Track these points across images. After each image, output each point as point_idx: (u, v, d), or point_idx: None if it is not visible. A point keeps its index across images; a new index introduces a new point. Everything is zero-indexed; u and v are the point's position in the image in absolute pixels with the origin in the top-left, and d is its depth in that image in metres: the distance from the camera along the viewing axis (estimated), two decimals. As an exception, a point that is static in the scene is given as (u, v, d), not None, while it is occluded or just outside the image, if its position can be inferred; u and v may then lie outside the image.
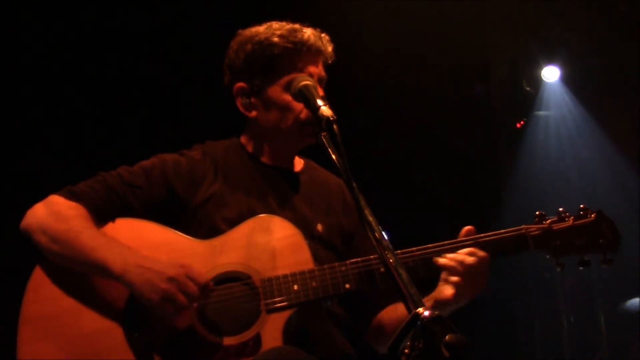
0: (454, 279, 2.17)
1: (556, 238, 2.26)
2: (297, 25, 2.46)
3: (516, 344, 5.59)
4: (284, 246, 2.24)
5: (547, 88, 6.07)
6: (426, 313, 1.52)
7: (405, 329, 1.53)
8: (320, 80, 2.43)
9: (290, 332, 2.15)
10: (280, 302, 2.16)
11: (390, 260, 1.72)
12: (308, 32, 2.43)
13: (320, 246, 2.37)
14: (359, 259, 2.22)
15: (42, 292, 2.24)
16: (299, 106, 2.34)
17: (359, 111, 4.64)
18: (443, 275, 2.22)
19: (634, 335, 5.24)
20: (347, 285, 2.20)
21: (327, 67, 2.50)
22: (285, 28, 2.44)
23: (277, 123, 2.43)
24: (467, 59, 5.36)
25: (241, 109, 2.49)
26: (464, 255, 2.18)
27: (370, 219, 1.82)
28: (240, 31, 2.52)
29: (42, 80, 3.93)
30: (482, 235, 2.26)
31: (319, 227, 2.42)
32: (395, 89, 5.04)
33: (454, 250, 2.22)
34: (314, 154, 2.39)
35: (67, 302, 2.22)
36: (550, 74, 5.99)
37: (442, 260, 2.19)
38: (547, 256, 2.28)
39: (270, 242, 2.25)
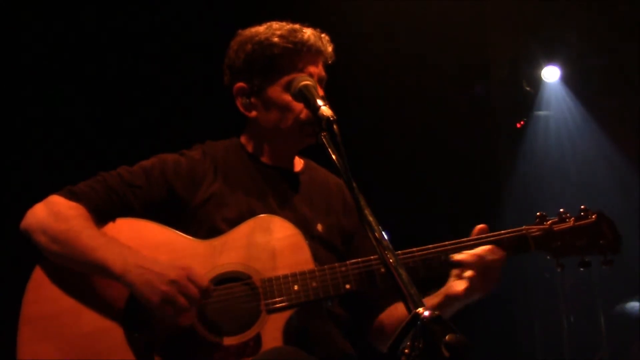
0: (469, 273, 2.17)
1: (557, 239, 2.26)
2: (297, 26, 2.46)
3: (516, 344, 5.59)
4: (284, 246, 2.24)
5: (547, 88, 6.07)
6: (426, 313, 1.52)
7: (405, 329, 1.53)
8: (320, 80, 2.43)
9: (290, 332, 2.15)
10: (280, 302, 2.16)
11: (391, 261, 1.72)
12: (308, 32, 2.44)
13: (320, 246, 2.37)
14: (359, 260, 2.22)
15: (42, 292, 2.24)
16: (299, 106, 2.35)
17: (359, 111, 4.64)
18: (455, 271, 2.22)
19: (634, 335, 5.24)
20: (348, 286, 2.20)
21: (327, 67, 2.50)
22: (285, 28, 2.44)
23: (277, 123, 2.43)
24: (467, 59, 5.36)
25: (241, 109, 2.49)
26: (485, 252, 2.18)
27: (370, 219, 1.82)
28: (240, 31, 2.53)
29: (42, 80, 3.92)
30: (482, 235, 2.26)
31: (319, 227, 2.42)
32: (395, 89, 5.04)
33: (455, 250, 2.23)
34: (314, 154, 2.39)
35: (67, 302, 2.22)
36: (550, 74, 5.99)
37: (459, 256, 2.19)
38: (548, 257, 2.28)
39: (271, 242, 2.25)
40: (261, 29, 2.47)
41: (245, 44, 2.46)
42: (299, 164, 2.60)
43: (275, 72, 2.41)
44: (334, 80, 2.53)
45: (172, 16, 4.30)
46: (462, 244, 2.24)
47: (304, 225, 2.32)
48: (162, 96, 4.25)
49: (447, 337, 1.46)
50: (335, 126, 2.02)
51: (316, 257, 2.25)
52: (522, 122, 6.11)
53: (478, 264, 2.17)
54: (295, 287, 2.18)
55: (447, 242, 2.24)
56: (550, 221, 2.30)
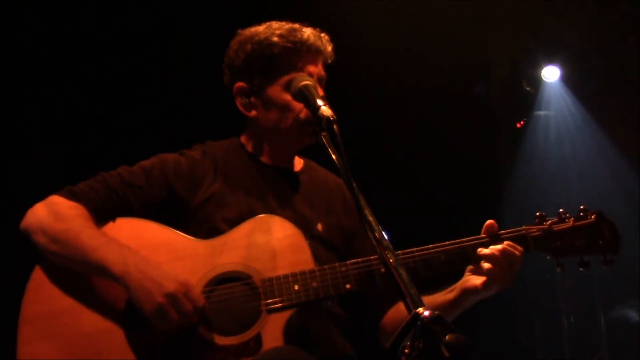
0: (489, 267, 2.17)
1: (556, 239, 2.27)
2: (296, 25, 2.46)
3: (516, 344, 5.58)
4: (285, 246, 2.24)
5: (547, 88, 6.06)
6: (426, 313, 1.52)
7: (405, 329, 1.53)
8: (320, 80, 2.43)
9: (290, 332, 2.15)
10: (280, 302, 2.16)
11: (391, 261, 1.72)
12: (308, 32, 2.44)
13: (320, 246, 2.37)
14: (360, 259, 2.22)
15: (42, 292, 2.24)
16: (298, 106, 2.35)
17: (359, 111, 4.64)
18: (471, 266, 2.24)
19: (634, 336, 5.24)
20: (348, 286, 2.20)
21: (327, 67, 2.50)
22: (285, 28, 2.44)
23: (277, 123, 2.43)
24: (467, 59, 5.35)
25: (241, 108, 2.50)
26: (509, 247, 2.20)
27: (370, 219, 1.82)
28: (240, 31, 2.53)
29: (42, 80, 3.92)
30: (483, 235, 2.26)
31: (319, 227, 2.42)
32: (395, 89, 5.03)
33: (456, 250, 2.23)
34: (314, 154, 2.39)
35: (67, 302, 2.22)
36: (550, 74, 5.98)
37: (485, 251, 2.20)
38: (547, 257, 2.29)
39: (271, 242, 2.25)
40: (261, 28, 2.47)
41: (245, 43, 2.46)
42: (298, 163, 2.60)
43: (275, 72, 2.41)
44: (334, 80, 2.53)
45: (172, 16, 4.30)
46: (462, 244, 2.24)
47: (304, 225, 2.32)
48: (162, 96, 4.24)
49: (447, 337, 1.46)
50: (335, 126, 2.02)
51: (316, 257, 2.25)
52: (522, 122, 6.11)
53: (503, 258, 2.17)
54: (296, 287, 2.18)
55: (447, 242, 2.25)
56: (549, 221, 2.30)
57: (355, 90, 4.70)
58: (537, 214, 2.32)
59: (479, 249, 2.22)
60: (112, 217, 2.32)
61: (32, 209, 2.31)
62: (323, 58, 2.48)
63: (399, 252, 2.18)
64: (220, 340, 2.14)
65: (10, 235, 2.47)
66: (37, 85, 3.92)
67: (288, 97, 2.37)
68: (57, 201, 2.29)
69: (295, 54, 2.41)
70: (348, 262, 2.22)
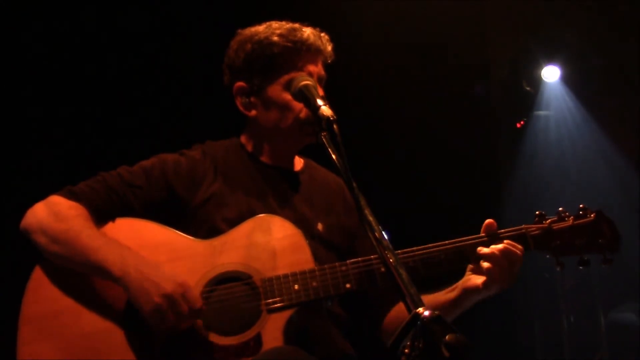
0: (489, 266, 2.17)
1: (556, 238, 2.27)
2: (296, 25, 2.46)
3: (516, 344, 5.58)
4: (285, 246, 2.24)
5: (547, 88, 6.06)
6: (426, 313, 1.52)
7: (405, 329, 1.53)
8: (319, 80, 2.43)
9: (290, 332, 2.15)
10: (280, 301, 2.16)
11: (391, 260, 1.72)
12: (307, 32, 2.44)
13: (320, 246, 2.37)
14: (360, 259, 2.22)
15: (42, 292, 2.24)
16: (298, 105, 2.35)
17: (359, 111, 4.64)
18: (472, 265, 2.24)
19: (634, 336, 5.24)
20: (348, 285, 2.20)
21: (327, 67, 2.51)
22: (285, 27, 2.44)
23: (277, 122, 2.43)
24: (467, 59, 5.36)
25: (241, 108, 2.50)
26: (509, 246, 2.20)
27: (370, 219, 1.82)
28: (240, 31, 2.53)
29: (42, 80, 3.92)
30: (483, 235, 2.26)
31: (320, 226, 2.42)
32: (395, 89, 5.03)
33: (456, 249, 2.23)
34: (314, 153, 2.39)
35: (67, 302, 2.22)
36: (550, 74, 5.98)
37: (485, 250, 2.20)
38: (547, 256, 2.29)
39: (271, 242, 2.25)
40: (261, 28, 2.47)
41: (245, 43, 2.46)
42: (299, 163, 2.60)
43: (275, 71, 2.41)
44: (334, 80, 2.53)
45: (172, 16, 4.30)
46: (462, 243, 2.24)
47: (304, 225, 2.32)
48: (162, 96, 4.24)
49: (447, 337, 1.46)
50: (335, 126, 2.02)
51: (316, 257, 2.25)
52: (522, 122, 6.11)
53: (503, 258, 2.17)
54: (296, 287, 2.18)
55: (446, 242, 2.25)
56: (549, 220, 2.30)
57: (355, 90, 4.70)
58: (537, 212, 2.32)
59: (479, 248, 2.22)
60: (112, 217, 2.32)
61: (32, 209, 2.31)
62: (323, 58, 2.48)
63: (399, 251, 2.18)
64: (220, 340, 2.14)
65: (10, 235, 2.47)
66: (37, 85, 3.92)
67: (288, 96, 2.37)
68: (57, 201, 2.29)
69: (295, 53, 2.41)
70: (348, 261, 2.22)
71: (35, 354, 2.18)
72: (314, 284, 2.18)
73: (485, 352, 4.59)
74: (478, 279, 2.21)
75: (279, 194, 2.46)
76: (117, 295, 2.20)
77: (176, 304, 2.08)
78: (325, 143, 2.02)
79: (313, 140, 2.33)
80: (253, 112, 2.48)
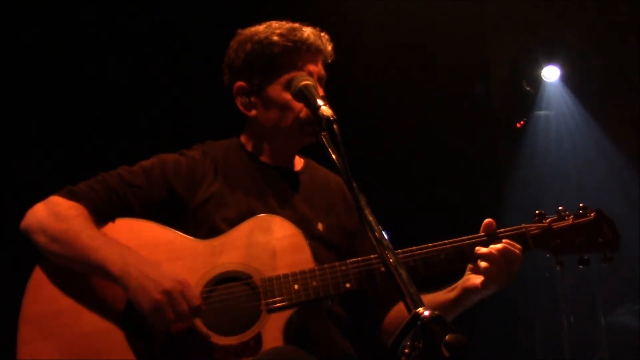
0: (487, 266, 2.17)
1: (556, 237, 2.27)
2: (296, 24, 2.46)
3: (516, 344, 5.58)
4: (285, 246, 2.24)
5: (547, 88, 6.07)
6: (426, 313, 1.52)
7: (405, 329, 1.53)
8: (319, 79, 2.43)
9: (290, 332, 2.15)
10: (280, 301, 2.16)
11: (390, 260, 1.72)
12: (308, 31, 2.44)
13: (320, 246, 2.37)
14: (360, 258, 2.22)
15: (42, 292, 2.24)
16: (298, 105, 2.35)
17: (359, 111, 4.64)
18: (471, 265, 2.23)
19: (634, 336, 5.24)
20: (348, 285, 2.20)
21: (327, 67, 2.51)
22: (285, 27, 2.44)
23: (277, 122, 2.43)
24: (467, 59, 5.36)
25: (241, 108, 2.50)
26: (508, 245, 2.19)
27: (370, 218, 1.82)
28: (240, 31, 2.53)
29: (42, 80, 3.92)
30: (482, 234, 2.26)
31: (320, 226, 2.42)
32: (395, 89, 5.03)
33: (455, 249, 2.23)
34: (314, 153, 2.39)
35: (67, 302, 2.22)
36: (550, 73, 5.99)
37: (483, 250, 2.20)
38: (547, 255, 2.29)
39: (271, 242, 2.25)
40: (261, 28, 2.47)
41: (245, 43, 2.46)
42: (299, 163, 2.60)
43: (275, 71, 2.41)
44: (334, 80, 2.53)
45: (172, 16, 4.30)
46: (461, 242, 2.24)
47: (304, 225, 2.32)
48: (162, 96, 4.24)
49: (447, 337, 1.46)
50: (335, 126, 2.02)
51: (316, 257, 2.25)
52: (522, 122, 6.11)
53: (501, 257, 2.17)
54: (296, 287, 2.18)
55: (446, 241, 2.25)
56: (549, 219, 2.30)
57: (355, 90, 4.70)
58: (537, 212, 2.32)
59: (477, 248, 2.22)
60: (112, 217, 2.32)
61: (32, 209, 2.31)
62: (323, 57, 2.48)
63: (399, 251, 2.18)
64: (220, 340, 2.14)
65: (10, 235, 2.46)
66: (37, 85, 3.92)
67: (288, 96, 2.37)
68: (57, 201, 2.29)
69: (295, 53, 2.41)
70: (348, 261, 2.22)
71: (35, 354, 2.18)
72: (314, 283, 2.18)
73: (485, 352, 4.59)
74: (477, 279, 2.21)
75: (279, 193, 2.46)
76: (117, 296, 2.20)
77: (175, 302, 2.08)
78: (325, 143, 2.02)
79: (313, 140, 2.33)
80: (253, 112, 2.48)
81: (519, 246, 2.22)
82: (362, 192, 1.93)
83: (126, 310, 2.20)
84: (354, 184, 1.91)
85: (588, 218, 2.28)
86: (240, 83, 2.47)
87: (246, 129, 2.58)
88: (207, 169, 2.45)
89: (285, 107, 2.40)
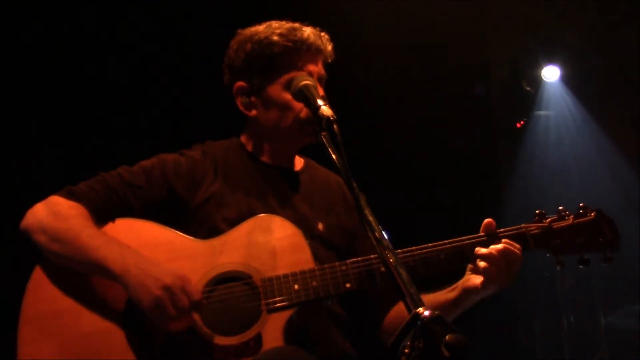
0: (487, 266, 2.17)
1: (556, 237, 2.27)
2: (296, 24, 2.46)
3: (516, 344, 5.59)
4: (285, 246, 2.24)
5: (547, 88, 6.06)
6: (426, 313, 1.52)
7: (405, 329, 1.53)
8: (320, 79, 2.43)
9: (291, 332, 2.15)
10: (280, 301, 2.16)
11: (390, 260, 1.72)
12: (308, 31, 2.44)
13: (320, 246, 2.37)
14: (360, 258, 2.22)
15: (43, 292, 2.24)
16: (299, 105, 2.35)
17: (359, 111, 4.64)
18: (472, 265, 2.23)
19: (634, 336, 5.24)
20: (348, 285, 2.20)
21: (327, 67, 2.50)
22: (285, 27, 2.44)
23: (277, 122, 2.43)
24: (467, 59, 5.36)
25: (241, 108, 2.50)
26: (508, 245, 2.19)
27: (370, 218, 1.82)
28: (240, 31, 2.53)
29: (42, 80, 3.92)
30: (482, 234, 2.26)
31: (320, 226, 2.42)
32: (395, 89, 5.03)
33: (455, 249, 2.23)
34: (314, 153, 2.39)
35: (68, 302, 2.22)
36: (550, 74, 5.99)
37: (482, 250, 2.20)
38: (547, 255, 2.29)
39: (271, 242, 2.25)
40: (261, 28, 2.47)
41: (245, 43, 2.46)
42: (299, 163, 2.60)
43: (275, 71, 2.41)
44: (334, 80, 2.53)
45: (172, 16, 4.30)
46: (461, 242, 2.24)
47: (304, 225, 2.32)
48: (162, 96, 4.24)
49: (447, 337, 1.46)
50: (335, 126, 2.03)
51: (316, 257, 2.25)
52: (522, 122, 6.11)
53: (500, 258, 2.17)
54: (296, 287, 2.18)
55: (446, 241, 2.25)
56: (549, 219, 2.30)
57: (355, 90, 4.70)
58: (537, 211, 2.32)
59: (477, 249, 2.21)
60: (112, 217, 2.32)
61: (32, 209, 2.31)
62: (323, 57, 2.48)
63: (399, 251, 2.18)
64: (220, 340, 2.14)
65: (10, 235, 2.46)
66: (37, 85, 3.92)
67: (288, 96, 2.37)
68: (57, 201, 2.29)
69: (296, 53, 2.41)
70: (348, 261, 2.22)
71: (36, 354, 2.18)
72: (314, 283, 2.18)
73: (485, 352, 4.59)
74: (477, 279, 2.21)
75: (279, 193, 2.46)
76: (118, 295, 2.20)
77: (176, 297, 2.08)
78: (325, 143, 2.02)
79: (313, 140, 2.33)
80: (253, 112, 2.48)
81: (518, 246, 2.22)
82: (362, 192, 1.93)
83: (126, 310, 2.20)
84: (354, 184, 1.91)
85: (588, 218, 2.28)
86: (241, 83, 2.47)
87: (246, 129, 2.58)
88: (207, 169, 2.45)
89: (285, 107, 2.40)
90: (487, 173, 5.51)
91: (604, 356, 5.51)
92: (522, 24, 5.80)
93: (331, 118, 2.04)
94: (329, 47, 2.49)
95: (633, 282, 5.14)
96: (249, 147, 2.55)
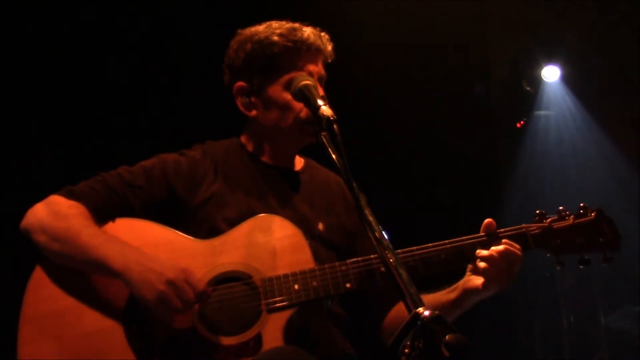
0: (483, 265, 2.17)
1: (556, 237, 2.27)
2: (296, 24, 2.46)
3: (516, 344, 5.59)
4: (285, 246, 2.24)
5: (547, 88, 6.07)
6: (426, 313, 1.52)
7: (405, 329, 1.53)
8: (320, 79, 2.43)
9: (291, 332, 2.15)
10: (280, 301, 2.16)
11: (391, 260, 1.72)
12: (308, 31, 2.44)
13: (321, 245, 2.37)
14: (360, 258, 2.22)
15: (43, 292, 2.24)
16: (299, 105, 2.35)
17: (359, 111, 4.64)
18: (472, 266, 2.23)
19: (634, 336, 5.24)
20: (348, 285, 2.20)
21: (327, 67, 2.50)
22: (285, 27, 2.44)
23: (277, 122, 2.43)
24: (467, 59, 5.36)
25: (241, 108, 2.50)
26: (508, 246, 2.19)
27: (370, 218, 1.82)
28: (240, 31, 2.53)
29: (42, 80, 3.92)
30: (482, 234, 2.26)
31: (320, 226, 2.43)
32: (395, 89, 5.03)
33: (455, 249, 2.23)
34: (314, 153, 2.39)
35: (68, 302, 2.22)
36: (550, 73, 5.99)
37: (483, 252, 2.20)
38: (547, 255, 2.29)
39: (271, 242, 2.25)
40: (261, 28, 2.47)
41: (245, 43, 2.46)
42: (299, 163, 2.60)
43: (275, 71, 2.41)
44: (334, 80, 2.53)
45: (172, 16, 4.30)
46: (461, 243, 2.24)
47: (304, 225, 2.32)
48: (162, 96, 4.24)
49: (447, 337, 1.46)
50: (335, 126, 2.03)
51: (317, 257, 2.25)
52: (522, 122, 6.11)
53: (501, 259, 2.17)
54: (296, 287, 2.18)
55: (446, 241, 2.25)
56: (549, 219, 2.30)
57: (355, 90, 4.70)
58: (537, 211, 2.32)
59: (477, 251, 2.21)
60: (112, 217, 2.32)
61: (32, 209, 2.31)
62: (323, 57, 2.48)
63: (399, 251, 2.18)
64: (220, 340, 2.14)
65: (10, 235, 2.46)
66: (37, 85, 3.92)
67: (288, 96, 2.37)
68: (57, 200, 2.29)
69: (296, 53, 2.41)
70: (348, 261, 2.23)
71: (36, 354, 2.18)
72: (314, 283, 2.18)
73: (485, 352, 4.59)
74: (478, 280, 2.21)
75: (279, 193, 2.46)
76: (117, 295, 2.20)
77: (180, 290, 2.08)
78: (325, 143, 2.02)
79: (313, 140, 2.33)
80: (253, 112, 2.48)
81: (518, 246, 2.22)
82: (362, 192, 1.93)
83: (127, 310, 2.20)
84: (354, 184, 1.91)
85: (588, 218, 2.28)
86: (241, 83, 2.47)
87: (246, 129, 2.58)
88: (207, 169, 2.45)
89: (285, 107, 2.40)
90: (487, 173, 5.51)
91: (604, 356, 5.51)
92: (522, 24, 5.80)
93: (331, 118, 2.04)
94: (329, 47, 2.49)
95: (633, 283, 5.14)
96: (249, 147, 2.55)
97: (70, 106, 4.01)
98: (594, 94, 5.96)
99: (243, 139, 2.58)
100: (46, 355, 2.17)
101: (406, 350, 1.51)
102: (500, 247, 2.19)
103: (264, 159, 2.53)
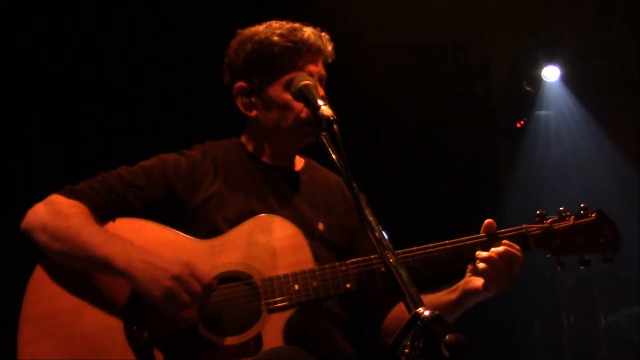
0: (483, 266, 2.17)
1: (557, 237, 2.27)
2: (297, 25, 2.46)
3: (516, 344, 5.59)
4: (285, 246, 2.24)
5: (547, 88, 6.07)
6: (426, 313, 1.52)
7: (405, 329, 1.53)
8: (320, 79, 2.43)
9: (291, 332, 2.15)
10: (281, 301, 2.16)
11: (391, 260, 1.72)
12: (308, 31, 2.44)
13: (321, 246, 2.37)
14: (360, 259, 2.22)
15: (43, 292, 2.24)
16: (299, 105, 2.35)
17: (359, 111, 4.64)
18: (472, 266, 2.23)
19: (634, 336, 5.24)
20: (348, 285, 2.20)
21: (327, 67, 2.50)
22: (285, 27, 2.44)
23: (277, 122, 2.43)
24: (467, 59, 5.36)
25: (241, 108, 2.50)
26: (507, 248, 2.19)
27: (370, 218, 1.82)
28: (240, 31, 2.53)
29: (42, 80, 3.92)
30: (482, 235, 2.26)
31: (320, 226, 2.43)
32: (395, 89, 5.04)
33: (455, 249, 2.23)
34: (314, 153, 2.39)
35: (68, 302, 2.22)
36: (550, 73, 5.99)
37: (483, 254, 2.19)
38: (548, 255, 2.29)
39: (271, 242, 2.25)
40: (261, 28, 2.47)
41: (245, 43, 2.46)
42: (299, 163, 2.60)
43: (275, 71, 2.41)
44: (334, 80, 2.53)
45: (172, 16, 4.30)
46: (461, 243, 2.24)
47: (304, 225, 2.32)
48: (162, 96, 4.24)
49: (447, 337, 1.46)
50: (335, 126, 2.03)
51: (317, 257, 2.25)
52: (522, 122, 6.11)
53: (501, 261, 2.17)
54: (296, 287, 2.18)
55: (446, 242, 2.25)
56: (550, 220, 2.30)
57: (355, 90, 4.70)
58: (538, 212, 2.32)
59: (477, 253, 2.21)
60: (112, 217, 2.32)
61: (32, 209, 2.31)
62: (323, 57, 2.48)
63: (399, 251, 2.18)
64: (220, 340, 2.14)
65: (10, 235, 2.46)
66: (37, 85, 3.92)
67: (288, 96, 2.37)
68: (58, 200, 2.29)
69: (296, 53, 2.41)
70: (348, 261, 2.23)
71: (36, 354, 2.17)
72: (314, 283, 2.19)
73: (485, 352, 4.59)
74: (478, 281, 2.21)
75: (279, 193, 2.46)
76: (118, 294, 2.20)
77: (187, 284, 2.07)
78: (326, 143, 2.02)
79: (313, 140, 2.33)
80: (253, 112, 2.48)
81: (518, 247, 2.21)
82: (362, 192, 1.93)
83: (127, 310, 2.20)
84: (354, 184, 1.91)
85: (589, 219, 2.28)
86: (241, 83, 2.47)
87: (247, 129, 2.58)
88: (207, 169, 2.45)
89: (285, 107, 2.40)
90: (487, 173, 5.52)
91: (604, 356, 5.51)
92: (522, 24, 5.81)
93: (331, 118, 2.04)
94: (329, 48, 2.48)
95: (633, 283, 5.14)
96: (250, 148, 2.55)
97: (70, 106, 4.01)
98: (594, 94, 5.96)
99: (243, 139, 2.58)
100: (46, 355, 2.17)
101: (406, 350, 1.51)
102: (500, 249, 2.19)
103: (264, 159, 2.53)
